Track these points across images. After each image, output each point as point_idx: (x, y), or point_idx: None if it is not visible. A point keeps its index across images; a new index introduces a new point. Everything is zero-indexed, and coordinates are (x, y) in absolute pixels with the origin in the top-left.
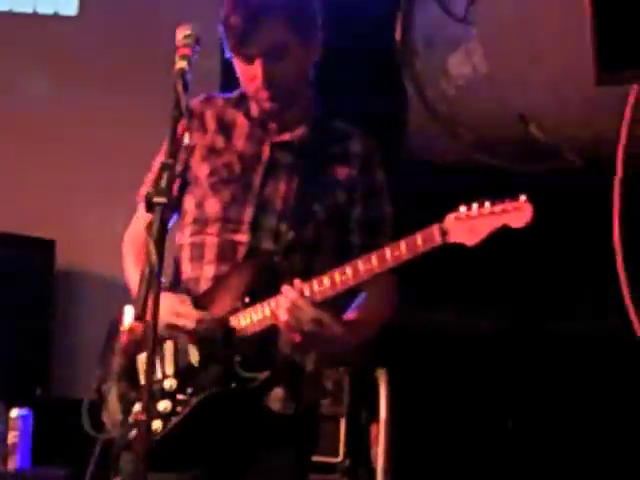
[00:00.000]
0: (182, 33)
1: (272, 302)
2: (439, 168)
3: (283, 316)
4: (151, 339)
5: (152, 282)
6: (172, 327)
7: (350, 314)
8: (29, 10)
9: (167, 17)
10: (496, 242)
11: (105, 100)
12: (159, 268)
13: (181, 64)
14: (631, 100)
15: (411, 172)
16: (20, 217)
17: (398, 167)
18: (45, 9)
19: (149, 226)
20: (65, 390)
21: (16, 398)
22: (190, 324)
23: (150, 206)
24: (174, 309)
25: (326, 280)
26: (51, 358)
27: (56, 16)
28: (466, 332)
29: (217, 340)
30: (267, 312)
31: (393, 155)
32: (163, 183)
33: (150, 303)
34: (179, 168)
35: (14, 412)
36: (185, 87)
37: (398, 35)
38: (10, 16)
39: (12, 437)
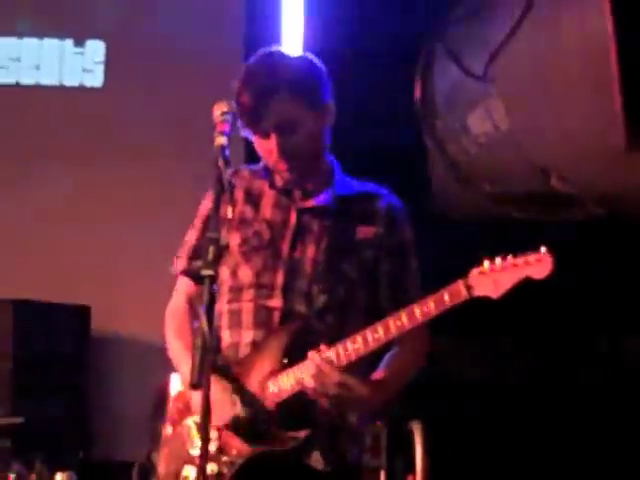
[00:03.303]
0: (220, 109)
1: (300, 369)
2: (461, 222)
3: (309, 383)
4: (204, 406)
5: (205, 351)
6: None
7: (378, 373)
8: (55, 83)
9: (193, 87)
10: (523, 293)
11: (134, 168)
12: (211, 337)
13: (220, 140)
14: None
15: (434, 227)
16: (55, 284)
17: (421, 223)
18: (70, 81)
19: (198, 297)
20: (106, 452)
21: (60, 462)
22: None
23: (199, 278)
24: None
25: (359, 339)
26: (91, 421)
27: (81, 88)
28: (501, 384)
29: (257, 403)
30: (296, 379)
31: (416, 211)
32: (210, 256)
33: (204, 372)
34: (224, 241)
35: (59, 476)
36: (226, 162)
37: (418, 95)
38: (36, 89)
39: None
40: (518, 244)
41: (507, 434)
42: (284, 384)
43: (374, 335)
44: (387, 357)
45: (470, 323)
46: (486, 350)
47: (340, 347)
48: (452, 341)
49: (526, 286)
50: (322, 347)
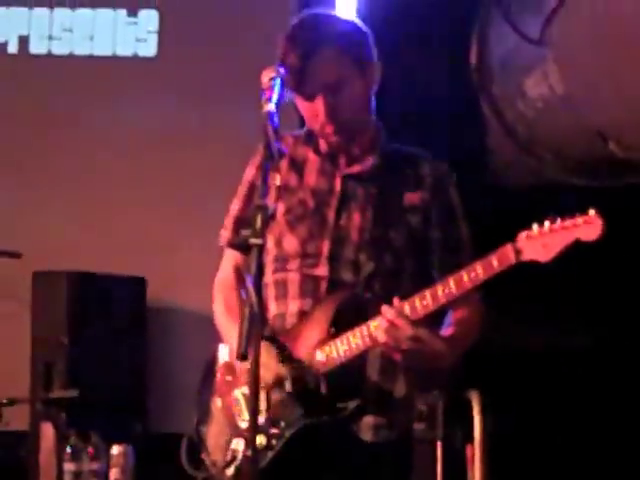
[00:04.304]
0: (267, 76)
1: (371, 324)
2: (518, 188)
3: (382, 337)
4: (254, 377)
5: (253, 321)
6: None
7: (447, 330)
8: (108, 53)
9: (246, 58)
10: (584, 256)
11: (187, 140)
12: (259, 307)
13: (268, 107)
14: None
15: (491, 194)
16: (110, 256)
17: (478, 189)
18: (124, 51)
19: (246, 267)
20: (162, 424)
21: (116, 435)
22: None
23: (246, 248)
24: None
25: (407, 306)
26: (147, 394)
27: (135, 57)
28: (559, 350)
29: (306, 373)
30: (356, 340)
31: (473, 178)
32: (258, 225)
33: (252, 342)
34: (272, 209)
35: (115, 449)
36: (274, 129)
37: (473, 59)
38: (90, 59)
39: (114, 474)
40: (575, 212)
41: (568, 402)
42: (333, 353)
43: (422, 302)
44: (448, 319)
45: (528, 289)
46: (541, 317)
47: (405, 304)
48: (507, 307)
49: (587, 251)
50: (395, 300)
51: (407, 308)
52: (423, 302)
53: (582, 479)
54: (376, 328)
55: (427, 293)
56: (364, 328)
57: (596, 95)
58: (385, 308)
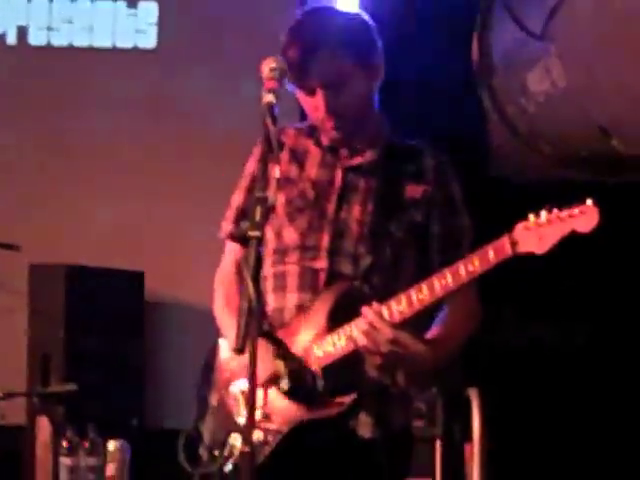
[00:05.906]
0: (268, 66)
1: (351, 326)
2: (519, 184)
3: (361, 340)
4: (251, 372)
5: (251, 315)
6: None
7: (432, 331)
8: (108, 45)
9: (247, 49)
10: (584, 253)
11: (188, 133)
12: (257, 301)
13: (268, 98)
14: None
15: (493, 187)
16: (109, 250)
17: (478, 184)
18: (124, 43)
19: (245, 259)
20: (159, 420)
21: (112, 430)
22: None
23: (245, 240)
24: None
25: (404, 299)
26: (144, 389)
27: (135, 50)
28: (559, 347)
29: (303, 368)
30: (340, 342)
31: (473, 173)
32: (257, 217)
33: (249, 336)
34: (272, 201)
35: (111, 444)
36: (273, 121)
37: (475, 54)
38: (89, 51)
39: (110, 469)
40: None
41: (567, 400)
42: (330, 347)
43: (419, 295)
44: (439, 317)
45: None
46: (540, 314)
47: (385, 307)
48: (507, 305)
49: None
50: (374, 304)
51: (394, 306)
52: (420, 295)
53: (582, 477)
54: (356, 330)
55: (424, 286)
56: (347, 329)
57: (599, 90)
58: (365, 310)
